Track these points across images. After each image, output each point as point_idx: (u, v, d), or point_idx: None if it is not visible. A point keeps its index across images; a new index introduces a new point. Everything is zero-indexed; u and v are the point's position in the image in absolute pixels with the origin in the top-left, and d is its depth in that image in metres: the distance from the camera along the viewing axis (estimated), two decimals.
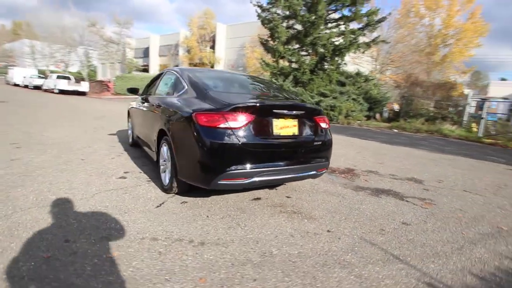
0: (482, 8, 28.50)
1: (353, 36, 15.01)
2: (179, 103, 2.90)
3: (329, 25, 16.59)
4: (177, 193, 3.08)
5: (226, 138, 2.44)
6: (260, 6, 17.19)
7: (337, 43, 16.03)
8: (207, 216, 2.67)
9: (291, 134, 2.73)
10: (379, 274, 1.97)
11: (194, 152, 2.55)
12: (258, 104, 2.57)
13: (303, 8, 16.03)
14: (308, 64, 15.64)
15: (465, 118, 12.63)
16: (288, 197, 3.31)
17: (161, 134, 3.23)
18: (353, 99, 15.80)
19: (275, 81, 16.40)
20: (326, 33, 15.96)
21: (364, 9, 15.80)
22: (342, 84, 16.50)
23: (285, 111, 2.71)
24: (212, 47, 29.59)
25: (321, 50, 16.06)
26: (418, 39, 26.49)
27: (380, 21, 15.57)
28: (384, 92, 17.18)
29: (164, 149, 3.16)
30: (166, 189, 3.10)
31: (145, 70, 33.06)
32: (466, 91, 20.18)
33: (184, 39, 30.66)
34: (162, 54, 34.09)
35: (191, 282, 1.75)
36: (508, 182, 4.71)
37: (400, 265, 2.10)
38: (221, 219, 2.63)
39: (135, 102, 5.17)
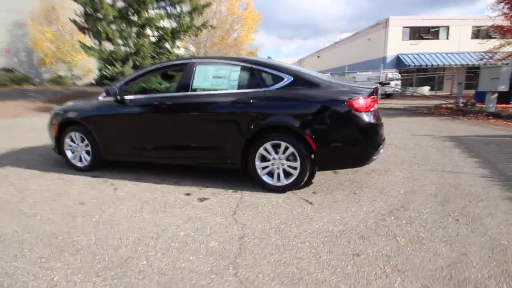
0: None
1: (188, 19, 15.21)
2: (307, 96, 2.76)
3: (155, 5, 15.74)
4: (297, 188, 2.99)
5: (375, 118, 2.81)
6: None
7: (167, 25, 15.73)
8: (355, 193, 2.95)
9: None
10: (474, 180, 3.25)
11: (353, 137, 2.75)
12: (378, 85, 3.04)
13: None
14: (148, 48, 14.42)
15: None
16: None
17: (257, 134, 2.90)
18: None
19: (109, 67, 14.10)
20: (156, 14, 15.19)
21: None
22: None
23: None
24: None
25: (157, 32, 15.25)
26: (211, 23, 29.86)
27: (206, 5, 16.53)
28: None
29: (268, 148, 2.90)
30: (285, 188, 2.94)
31: None
32: None
33: None
34: None
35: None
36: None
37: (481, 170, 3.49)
38: (364, 193, 3.00)
39: (88, 107, 3.63)
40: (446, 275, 1.72)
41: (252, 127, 2.90)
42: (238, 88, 3.03)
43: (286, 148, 2.86)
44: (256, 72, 3.01)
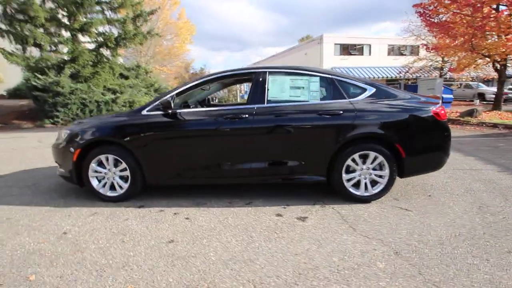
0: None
1: (135, 26, 14.10)
2: (395, 106, 2.85)
3: (93, 8, 14.11)
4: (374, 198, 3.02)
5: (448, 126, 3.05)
6: None
7: (109, 32, 14.28)
8: (429, 196, 3.15)
9: None
10: (498, 175, 3.79)
11: (437, 144, 2.95)
12: None
13: None
14: (88, 55, 12.79)
15: None
16: None
17: (344, 145, 2.86)
18: (145, 93, 15.27)
19: (40, 76, 11.97)
20: (94, 18, 13.66)
21: None
22: (126, 78, 15.23)
23: None
24: None
25: (96, 39, 13.63)
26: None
27: (151, 13, 15.56)
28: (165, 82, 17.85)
29: (356, 159, 2.88)
30: (372, 197, 2.96)
31: None
32: None
33: None
34: None
35: None
36: None
37: None
38: (436, 195, 3.22)
39: (128, 123, 3.03)
40: None
41: (341, 138, 2.84)
42: (321, 99, 2.95)
43: (375, 158, 2.89)
44: (337, 83, 2.98)
